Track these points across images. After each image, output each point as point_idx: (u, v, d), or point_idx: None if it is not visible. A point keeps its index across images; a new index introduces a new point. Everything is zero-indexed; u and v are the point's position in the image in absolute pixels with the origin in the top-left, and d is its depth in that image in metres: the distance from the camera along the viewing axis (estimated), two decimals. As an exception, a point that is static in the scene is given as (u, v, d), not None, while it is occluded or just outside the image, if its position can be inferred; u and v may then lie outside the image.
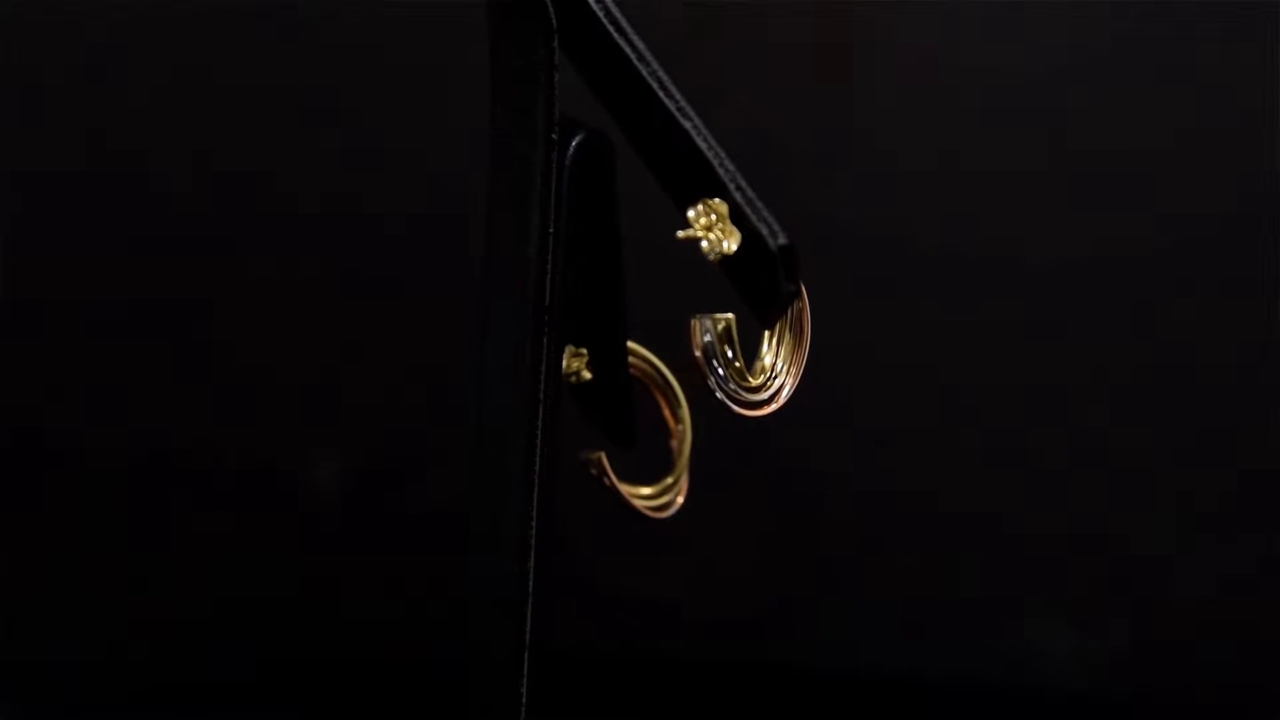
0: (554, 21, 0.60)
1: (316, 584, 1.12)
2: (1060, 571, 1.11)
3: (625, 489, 0.66)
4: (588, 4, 0.61)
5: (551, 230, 0.60)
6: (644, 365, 0.67)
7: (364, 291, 1.11)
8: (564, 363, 0.63)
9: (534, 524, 0.60)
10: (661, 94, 0.60)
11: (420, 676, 1.12)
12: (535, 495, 0.60)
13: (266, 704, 1.10)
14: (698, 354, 0.61)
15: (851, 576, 1.13)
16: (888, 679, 1.11)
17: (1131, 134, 1.09)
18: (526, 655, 0.62)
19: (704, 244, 0.60)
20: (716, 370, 0.61)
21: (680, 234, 0.60)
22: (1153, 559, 1.10)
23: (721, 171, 0.60)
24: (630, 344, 0.65)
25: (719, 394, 0.62)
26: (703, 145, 0.60)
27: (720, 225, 0.60)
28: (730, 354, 0.61)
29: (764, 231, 0.59)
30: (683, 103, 0.61)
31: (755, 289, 0.60)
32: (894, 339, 1.10)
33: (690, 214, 0.60)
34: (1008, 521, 1.11)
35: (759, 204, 0.60)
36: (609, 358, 0.64)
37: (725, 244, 0.60)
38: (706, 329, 0.61)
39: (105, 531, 1.11)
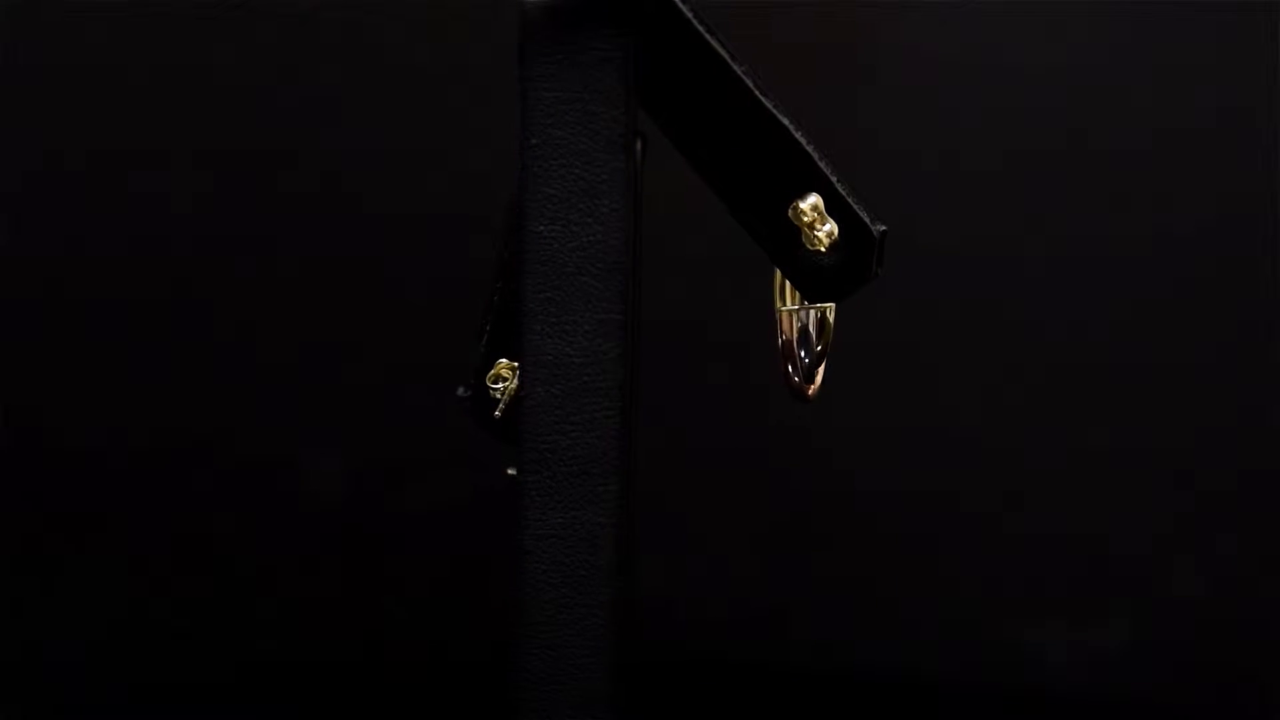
0: (637, 24, 0.61)
1: (317, 584, 1.12)
2: (1059, 571, 1.11)
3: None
4: (678, 8, 0.62)
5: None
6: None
7: (364, 291, 1.11)
8: (510, 376, 0.65)
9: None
10: (758, 93, 0.63)
11: (420, 676, 1.12)
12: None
13: (267, 704, 1.10)
14: (789, 341, 0.65)
15: (850, 577, 1.13)
16: (886, 679, 1.11)
17: (1131, 134, 1.09)
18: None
19: (819, 234, 0.64)
20: (801, 359, 0.65)
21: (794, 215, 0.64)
22: (1151, 559, 1.10)
23: (823, 165, 0.64)
24: None
25: (793, 380, 0.65)
26: (802, 141, 0.64)
27: (819, 217, 0.64)
28: (818, 344, 0.65)
29: (866, 219, 0.64)
30: (777, 101, 0.64)
31: (844, 273, 0.64)
32: (893, 339, 1.10)
33: (804, 206, 0.63)
34: (1006, 521, 1.11)
35: (855, 194, 0.64)
36: None
37: (825, 232, 0.64)
38: (800, 319, 0.65)
39: (105, 531, 1.11)
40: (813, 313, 0.65)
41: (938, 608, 1.11)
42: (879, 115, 1.09)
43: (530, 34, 0.61)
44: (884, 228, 0.64)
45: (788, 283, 0.65)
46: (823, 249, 0.64)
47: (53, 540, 1.11)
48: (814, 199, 0.64)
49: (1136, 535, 1.10)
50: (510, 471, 0.65)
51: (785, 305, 0.65)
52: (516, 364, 0.65)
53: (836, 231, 0.64)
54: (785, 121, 0.64)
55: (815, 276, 0.64)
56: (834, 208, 0.64)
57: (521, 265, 0.62)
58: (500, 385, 0.66)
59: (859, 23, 1.09)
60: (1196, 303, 1.10)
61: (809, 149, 0.64)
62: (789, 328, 0.65)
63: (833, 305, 0.65)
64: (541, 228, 0.62)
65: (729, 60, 0.63)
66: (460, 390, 0.66)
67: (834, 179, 0.64)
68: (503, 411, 0.66)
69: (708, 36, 0.63)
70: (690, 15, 0.63)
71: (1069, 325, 1.10)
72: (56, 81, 1.09)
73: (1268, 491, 1.09)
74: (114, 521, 1.11)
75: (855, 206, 0.64)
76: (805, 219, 0.64)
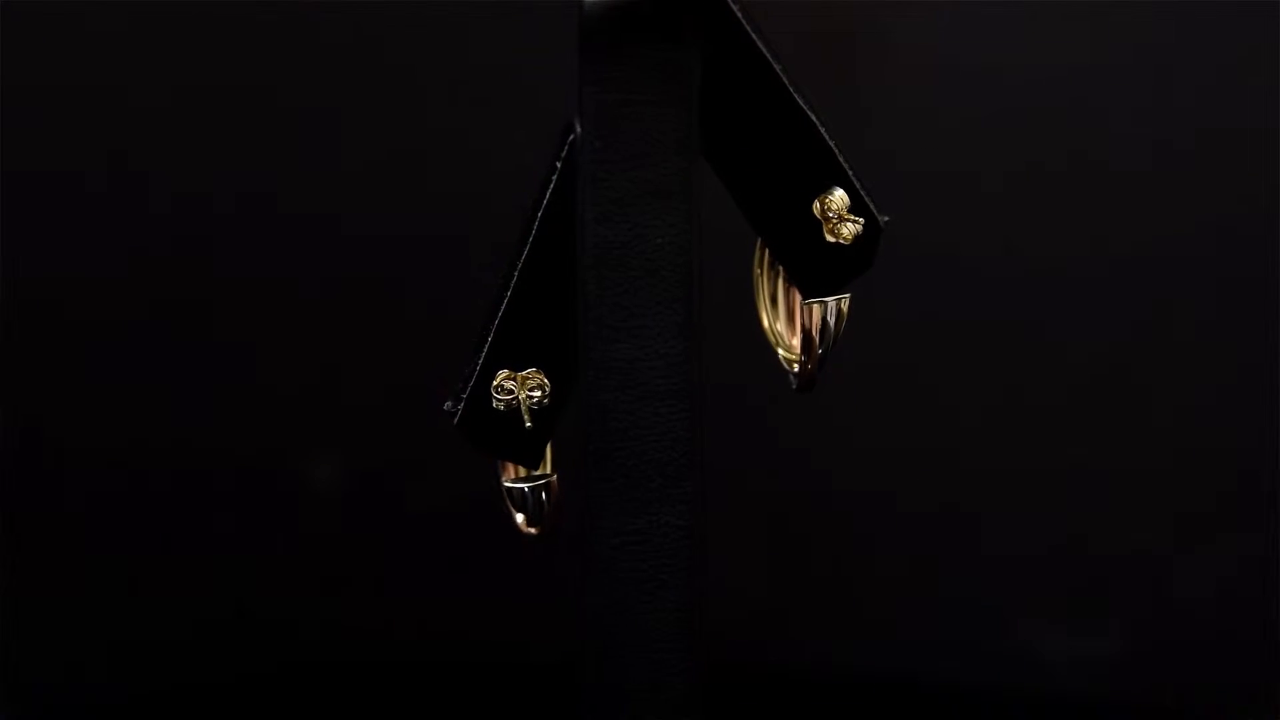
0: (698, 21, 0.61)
1: (316, 584, 1.12)
2: (1057, 575, 1.11)
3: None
4: (730, 8, 0.63)
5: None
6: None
7: (364, 291, 1.11)
8: (520, 387, 0.64)
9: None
10: (793, 91, 0.64)
11: (420, 677, 1.12)
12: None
13: (266, 704, 1.10)
14: (815, 334, 0.66)
15: (848, 579, 1.13)
16: (884, 682, 1.11)
17: (1131, 135, 1.09)
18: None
19: (845, 228, 0.65)
20: (819, 351, 0.66)
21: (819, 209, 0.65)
22: (1149, 562, 1.10)
23: (843, 161, 0.65)
24: None
25: (808, 369, 0.66)
26: (826, 137, 0.65)
27: (845, 210, 0.65)
28: (835, 334, 0.67)
29: (874, 211, 0.65)
30: (807, 97, 0.64)
31: (853, 265, 0.66)
32: (892, 340, 1.10)
33: (834, 199, 0.65)
34: (1005, 525, 1.11)
35: (865, 186, 0.66)
36: (567, 374, 0.65)
37: (851, 225, 0.65)
38: (832, 310, 0.66)
39: (105, 531, 1.11)
40: (833, 304, 0.66)
41: (934, 611, 1.11)
42: (877, 115, 1.09)
43: (591, 35, 0.60)
44: (888, 218, 0.65)
45: (766, 279, 0.65)
46: (847, 241, 0.65)
47: (53, 540, 1.11)
48: (841, 193, 0.65)
49: (1133, 538, 1.10)
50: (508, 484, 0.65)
51: (800, 299, 0.66)
52: (523, 373, 0.64)
53: (862, 224, 0.65)
54: (815, 119, 0.64)
55: (828, 269, 0.65)
56: (852, 200, 0.65)
57: (585, 270, 0.61)
58: (507, 397, 0.65)
59: (857, 22, 1.09)
60: (1195, 304, 1.10)
61: (832, 144, 0.65)
62: (815, 319, 0.66)
63: (849, 296, 0.66)
64: (607, 231, 0.61)
65: (772, 61, 0.64)
66: (448, 404, 0.65)
67: (851, 172, 0.65)
68: (533, 421, 0.65)
69: (755, 37, 0.63)
70: (740, 15, 0.63)
71: (1068, 327, 1.10)
72: (59, 84, 1.09)
73: (1264, 495, 1.09)
74: (114, 522, 1.11)
75: (868, 199, 0.65)
76: (833, 212, 0.65)
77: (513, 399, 0.64)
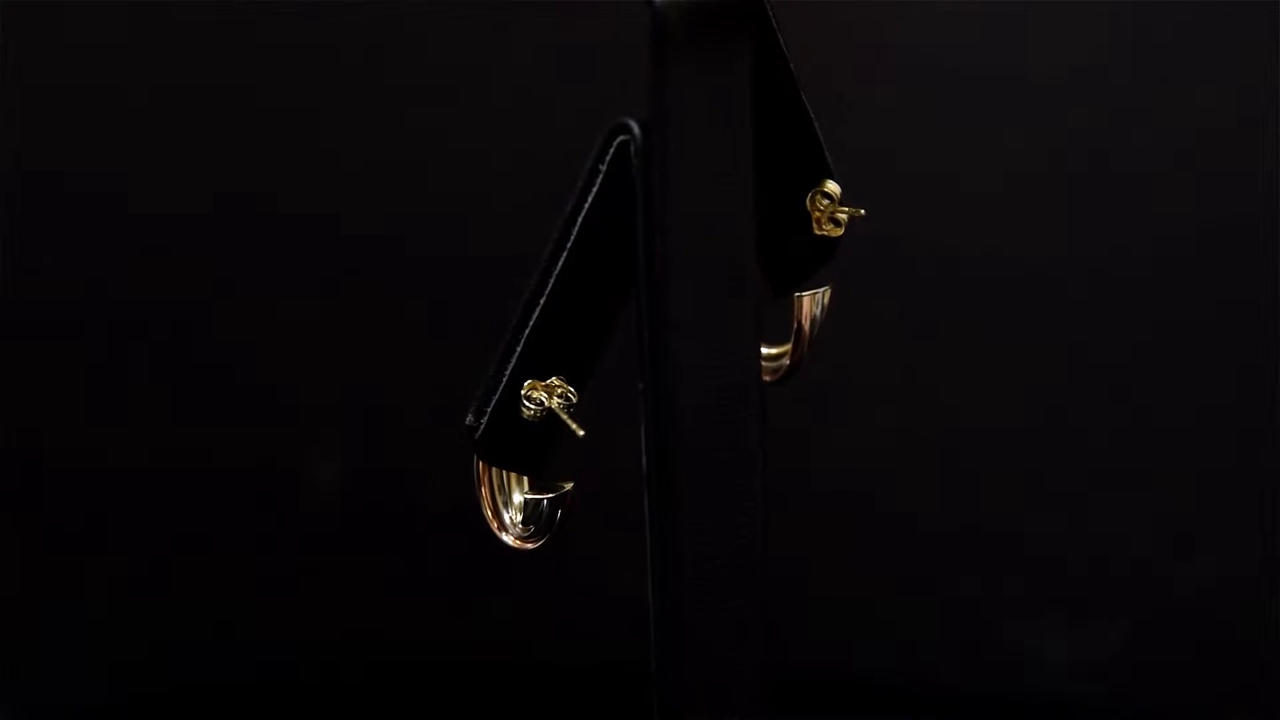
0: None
1: (316, 584, 1.12)
2: (1057, 574, 1.11)
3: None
4: (765, 7, 0.64)
5: None
6: None
7: (363, 291, 1.11)
8: (547, 397, 0.64)
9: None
10: (800, 89, 0.65)
11: (420, 677, 1.12)
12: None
13: (266, 704, 1.11)
14: (805, 325, 0.66)
15: (846, 580, 1.13)
16: (884, 683, 1.11)
17: (1131, 135, 1.09)
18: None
19: (839, 218, 0.66)
20: (806, 343, 0.67)
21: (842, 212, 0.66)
22: (1149, 562, 1.10)
23: (829, 156, 0.66)
24: None
25: (793, 362, 0.67)
26: (818, 132, 0.66)
27: (837, 204, 0.66)
28: (822, 324, 0.68)
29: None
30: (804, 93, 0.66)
31: (824, 257, 0.67)
32: (890, 341, 1.10)
33: (830, 191, 0.66)
34: (1004, 524, 1.11)
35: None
36: (583, 382, 0.65)
37: (843, 215, 0.66)
38: (819, 303, 0.67)
39: (106, 531, 1.11)
40: (821, 295, 0.66)
41: (934, 611, 1.11)
42: (877, 116, 1.09)
43: (667, 35, 0.60)
44: (863, 210, 0.66)
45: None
46: (836, 234, 0.66)
47: (53, 540, 1.11)
48: (834, 185, 0.66)
49: (1134, 538, 1.10)
50: (529, 495, 0.64)
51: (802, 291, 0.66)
52: (545, 382, 0.64)
53: (846, 215, 0.66)
54: (812, 114, 0.65)
55: (810, 262, 0.66)
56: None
57: (657, 272, 0.61)
58: (537, 406, 0.63)
59: (857, 23, 1.09)
60: (1195, 304, 1.10)
61: (821, 138, 0.66)
62: (806, 311, 0.66)
63: (829, 288, 0.66)
64: (682, 233, 0.61)
65: (789, 59, 0.64)
66: (470, 419, 0.64)
67: (832, 165, 0.66)
68: (551, 429, 0.64)
69: (780, 35, 0.64)
70: (771, 15, 0.64)
71: (1068, 329, 1.10)
72: (60, 85, 1.09)
73: (1265, 494, 1.09)
74: (114, 522, 1.11)
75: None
76: (825, 205, 0.65)
77: (543, 409, 0.64)
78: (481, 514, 0.65)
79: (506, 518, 0.65)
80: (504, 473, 0.65)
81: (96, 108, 1.09)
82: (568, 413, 0.63)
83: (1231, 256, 1.09)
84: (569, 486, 0.65)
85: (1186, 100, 1.08)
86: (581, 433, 0.63)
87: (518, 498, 0.65)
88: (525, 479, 0.65)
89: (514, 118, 1.09)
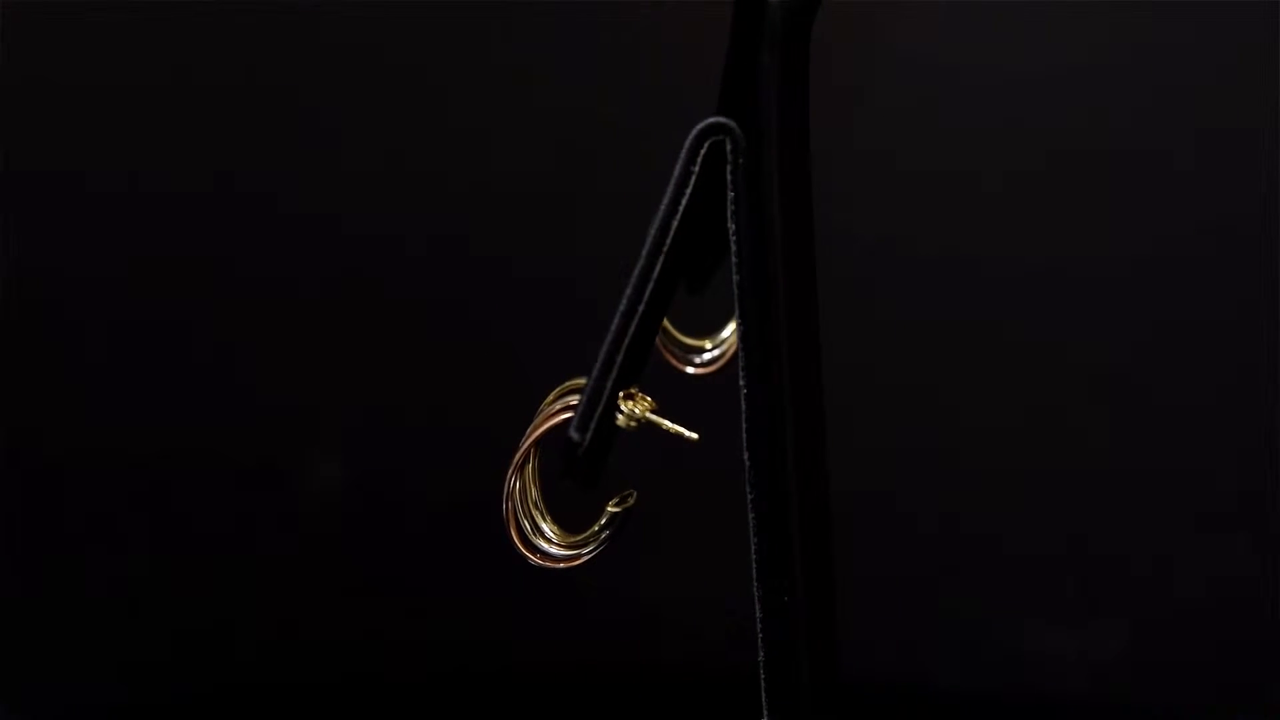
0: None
1: (316, 584, 1.12)
2: (1057, 575, 1.11)
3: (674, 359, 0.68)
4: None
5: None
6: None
7: (363, 291, 1.11)
8: (635, 407, 0.63)
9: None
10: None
11: (420, 677, 1.12)
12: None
13: (266, 704, 1.11)
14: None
15: (847, 580, 1.13)
16: (884, 683, 1.11)
17: (1131, 135, 1.09)
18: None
19: None
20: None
21: None
22: (1149, 562, 1.10)
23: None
24: None
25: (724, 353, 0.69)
26: None
27: None
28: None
29: None
30: None
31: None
32: (890, 342, 1.10)
33: None
34: (1005, 525, 1.11)
35: None
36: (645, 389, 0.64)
37: None
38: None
39: (106, 531, 1.11)
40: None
41: (935, 613, 1.11)
42: (877, 116, 1.09)
43: (780, 29, 0.58)
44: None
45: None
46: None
47: (53, 540, 1.11)
48: None
49: (1135, 539, 1.10)
50: (612, 508, 0.64)
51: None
52: (633, 390, 0.63)
53: None
54: None
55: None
56: None
57: (777, 277, 0.60)
58: (633, 417, 0.62)
59: (857, 22, 1.09)
60: (1195, 304, 1.10)
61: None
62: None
63: None
64: (786, 241, 0.60)
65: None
66: (574, 434, 0.62)
67: None
68: (688, 431, 0.64)
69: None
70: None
71: (1068, 329, 1.10)
72: (59, 84, 1.09)
73: (1266, 495, 1.09)
74: (114, 522, 1.11)
75: None
76: None
77: (638, 419, 0.62)
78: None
79: (546, 529, 0.65)
80: (530, 496, 0.64)
81: (96, 107, 1.09)
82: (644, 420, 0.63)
83: (1231, 256, 1.09)
84: (632, 496, 0.64)
85: (1186, 100, 1.08)
86: (694, 436, 0.63)
87: (545, 527, 0.65)
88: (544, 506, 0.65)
89: (514, 118, 1.09)
